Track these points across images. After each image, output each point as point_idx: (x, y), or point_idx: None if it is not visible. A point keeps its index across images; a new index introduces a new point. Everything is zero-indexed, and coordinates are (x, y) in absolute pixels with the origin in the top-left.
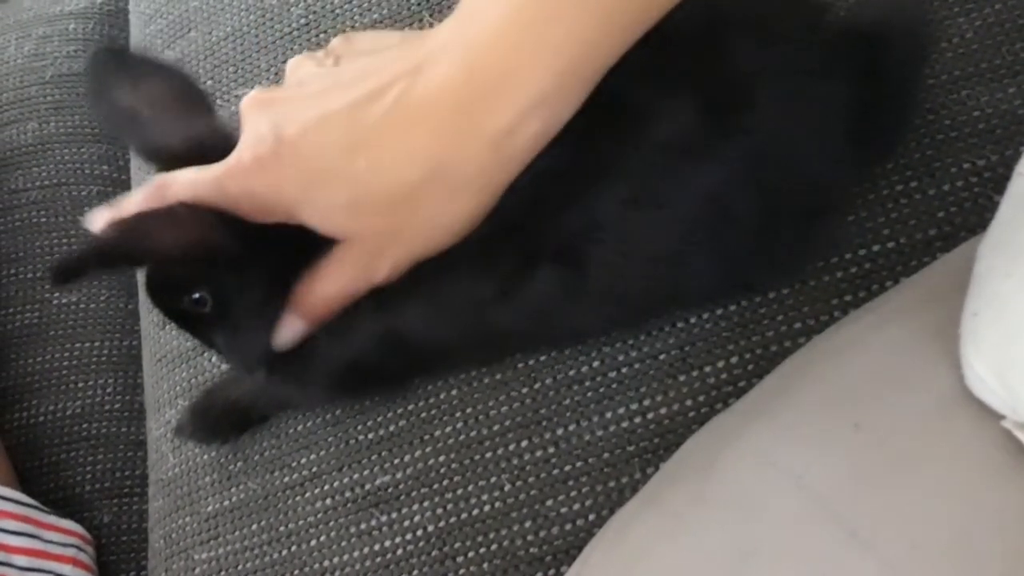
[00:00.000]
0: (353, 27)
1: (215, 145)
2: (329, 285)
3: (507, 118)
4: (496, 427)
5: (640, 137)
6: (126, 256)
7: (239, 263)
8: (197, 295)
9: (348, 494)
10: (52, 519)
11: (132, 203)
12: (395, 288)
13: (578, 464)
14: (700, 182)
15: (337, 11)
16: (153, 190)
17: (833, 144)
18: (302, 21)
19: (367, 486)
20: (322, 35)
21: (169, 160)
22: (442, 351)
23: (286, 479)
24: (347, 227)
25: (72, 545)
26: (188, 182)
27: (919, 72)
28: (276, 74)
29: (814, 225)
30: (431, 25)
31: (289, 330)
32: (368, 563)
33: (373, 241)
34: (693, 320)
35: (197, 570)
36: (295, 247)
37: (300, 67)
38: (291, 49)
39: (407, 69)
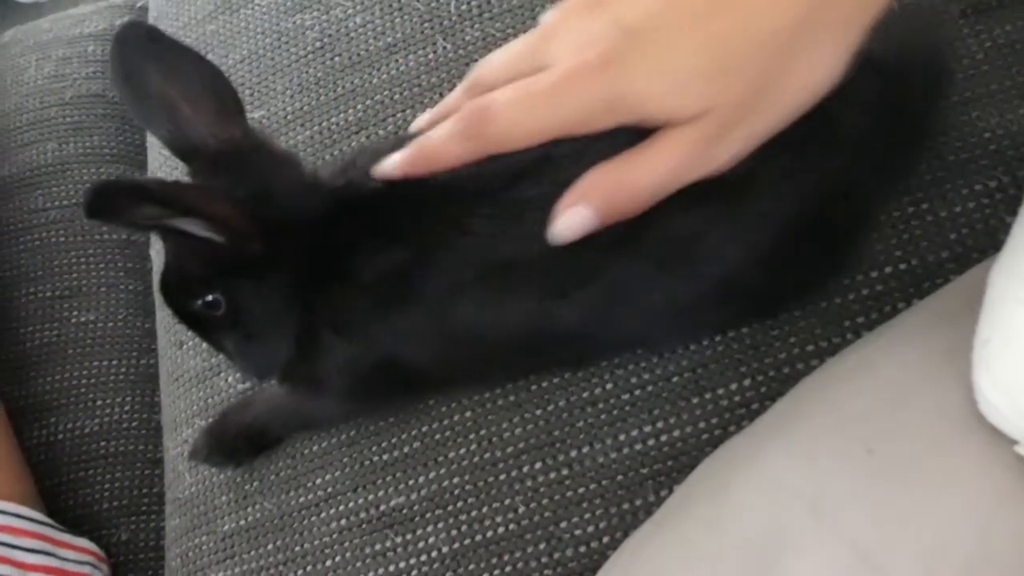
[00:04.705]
0: (367, 50)
1: (251, 149)
2: (646, 170)
3: None
4: (510, 449)
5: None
6: (159, 199)
7: (258, 268)
8: (211, 298)
9: (363, 515)
10: (67, 537)
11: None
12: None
13: (592, 486)
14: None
15: (352, 34)
16: (475, 112)
17: (854, 172)
18: (317, 44)
19: (381, 507)
20: (336, 58)
21: (202, 160)
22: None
23: (301, 499)
24: (704, 98)
25: (87, 563)
26: (515, 99)
27: (937, 101)
28: (291, 96)
29: (829, 251)
30: (444, 49)
31: (576, 219)
32: None
33: (727, 113)
34: (706, 342)
35: None
36: (320, 258)
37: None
38: (306, 72)
39: None
